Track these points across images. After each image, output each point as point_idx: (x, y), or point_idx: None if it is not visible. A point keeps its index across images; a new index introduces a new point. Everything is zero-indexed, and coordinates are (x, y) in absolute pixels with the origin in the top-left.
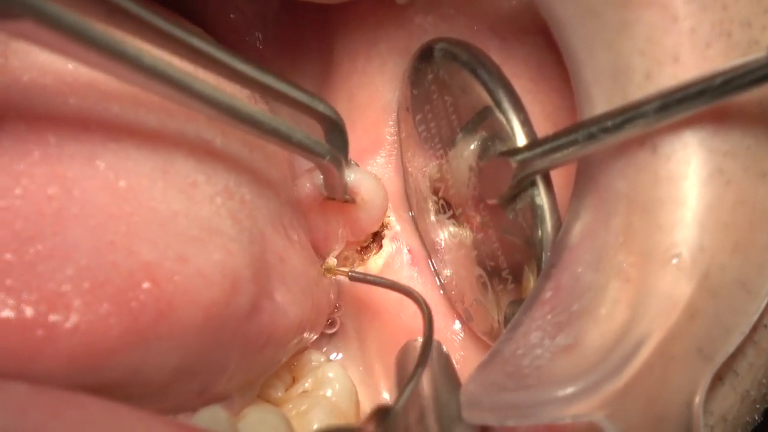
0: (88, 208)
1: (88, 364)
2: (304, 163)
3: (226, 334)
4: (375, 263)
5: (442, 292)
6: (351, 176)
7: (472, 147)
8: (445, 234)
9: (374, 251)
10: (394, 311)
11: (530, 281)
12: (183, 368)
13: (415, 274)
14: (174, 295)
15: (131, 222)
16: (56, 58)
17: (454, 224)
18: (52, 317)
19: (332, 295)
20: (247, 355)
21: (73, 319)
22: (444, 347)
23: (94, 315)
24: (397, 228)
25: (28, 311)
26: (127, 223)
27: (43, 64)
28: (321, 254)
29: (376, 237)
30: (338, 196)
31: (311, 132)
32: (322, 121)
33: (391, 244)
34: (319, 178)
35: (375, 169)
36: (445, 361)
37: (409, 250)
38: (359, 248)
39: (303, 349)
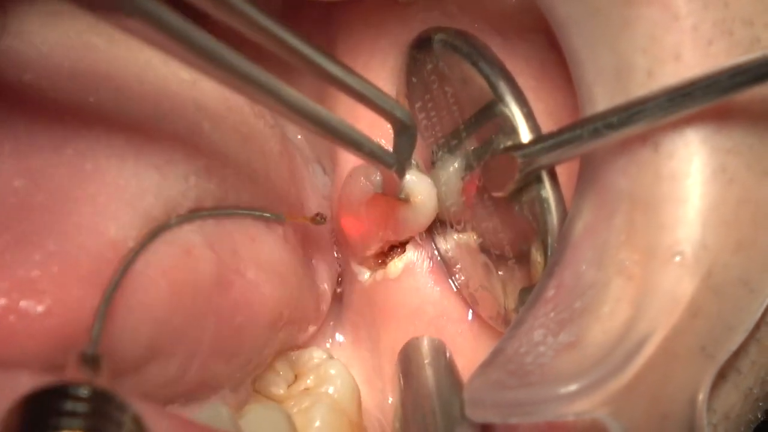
0: (54, 194)
1: (63, 344)
2: (305, 170)
3: (197, 306)
4: (395, 266)
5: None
6: (408, 177)
7: (456, 165)
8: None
9: (398, 254)
10: (408, 318)
11: (537, 271)
12: (156, 344)
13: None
14: (136, 268)
15: (97, 202)
16: (42, 55)
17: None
18: (23, 303)
19: (324, 306)
20: (223, 331)
21: (46, 302)
22: (446, 347)
23: (65, 296)
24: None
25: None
26: (93, 203)
27: (27, 61)
28: (354, 252)
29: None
30: (393, 194)
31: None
32: (394, 122)
33: (416, 251)
34: (376, 175)
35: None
36: (448, 360)
37: (430, 258)
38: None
39: (302, 346)
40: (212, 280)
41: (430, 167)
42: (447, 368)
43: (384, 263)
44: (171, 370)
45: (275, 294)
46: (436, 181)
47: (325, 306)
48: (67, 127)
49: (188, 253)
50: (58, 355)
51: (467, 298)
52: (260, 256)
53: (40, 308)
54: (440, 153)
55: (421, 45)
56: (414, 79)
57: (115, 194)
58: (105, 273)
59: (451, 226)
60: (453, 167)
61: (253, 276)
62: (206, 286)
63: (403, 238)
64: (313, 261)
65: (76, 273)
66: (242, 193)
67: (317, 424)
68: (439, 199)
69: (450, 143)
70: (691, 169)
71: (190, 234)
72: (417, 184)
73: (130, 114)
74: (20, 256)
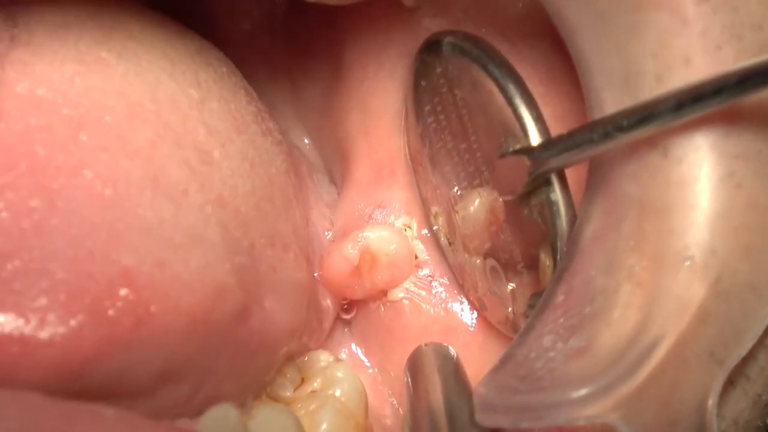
0: (71, 218)
1: (67, 373)
2: (310, 181)
3: (213, 338)
4: (394, 294)
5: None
6: (372, 235)
7: (478, 201)
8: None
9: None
10: (415, 338)
11: (546, 275)
12: (168, 373)
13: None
14: (152, 300)
15: (112, 229)
16: (54, 69)
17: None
18: (27, 332)
19: (326, 323)
20: (237, 359)
21: (48, 332)
22: (454, 352)
23: (68, 327)
24: (426, 257)
25: (4, 327)
26: (108, 231)
27: (40, 74)
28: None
29: None
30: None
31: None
32: None
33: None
34: (353, 248)
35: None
36: (455, 366)
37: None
38: None
39: (304, 351)
40: (234, 316)
41: (451, 204)
42: (455, 374)
43: (384, 292)
44: (182, 393)
45: (290, 320)
46: (462, 223)
47: (327, 323)
48: (83, 148)
49: (218, 296)
50: (61, 384)
51: (475, 303)
52: (278, 283)
53: (43, 338)
54: (460, 191)
55: (431, 48)
56: (423, 83)
57: (134, 222)
58: (112, 302)
59: (465, 250)
60: (475, 204)
61: (271, 305)
62: (227, 322)
63: (391, 288)
64: (315, 275)
65: (82, 302)
66: (253, 223)
67: (324, 426)
68: (461, 233)
69: (468, 171)
70: (700, 174)
71: (226, 275)
72: (385, 239)
73: (145, 136)
74: (29, 283)
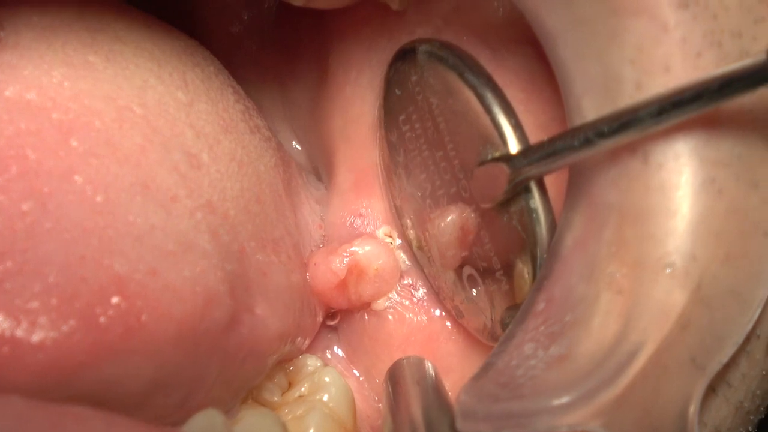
0: (63, 222)
1: (56, 379)
2: (300, 179)
3: (203, 347)
4: (378, 304)
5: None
6: (360, 250)
7: (453, 215)
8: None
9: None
10: (398, 346)
11: (525, 283)
12: (159, 381)
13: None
14: (143, 309)
15: (104, 236)
16: (42, 72)
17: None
18: (18, 334)
19: (319, 317)
20: (227, 367)
21: (39, 335)
22: (433, 367)
23: (59, 331)
24: (408, 265)
25: None
26: (100, 237)
27: (28, 78)
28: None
29: None
30: None
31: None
32: None
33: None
34: (341, 262)
35: (373, 185)
36: (435, 380)
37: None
38: None
39: (297, 354)
40: (223, 325)
41: (427, 213)
42: (433, 386)
43: (368, 303)
44: (172, 401)
45: (281, 325)
46: (436, 236)
47: (320, 316)
48: (74, 153)
49: (208, 305)
50: (49, 388)
51: (452, 311)
52: (269, 288)
53: (33, 341)
54: (436, 200)
55: (405, 57)
56: (398, 91)
57: (124, 229)
58: (103, 309)
59: (441, 259)
60: (449, 217)
61: (261, 311)
62: (217, 331)
63: (376, 299)
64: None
65: (74, 307)
66: (242, 227)
67: (311, 431)
68: (437, 242)
69: (444, 178)
70: (680, 180)
71: (217, 283)
72: (373, 254)
73: (134, 141)
74: (20, 285)
